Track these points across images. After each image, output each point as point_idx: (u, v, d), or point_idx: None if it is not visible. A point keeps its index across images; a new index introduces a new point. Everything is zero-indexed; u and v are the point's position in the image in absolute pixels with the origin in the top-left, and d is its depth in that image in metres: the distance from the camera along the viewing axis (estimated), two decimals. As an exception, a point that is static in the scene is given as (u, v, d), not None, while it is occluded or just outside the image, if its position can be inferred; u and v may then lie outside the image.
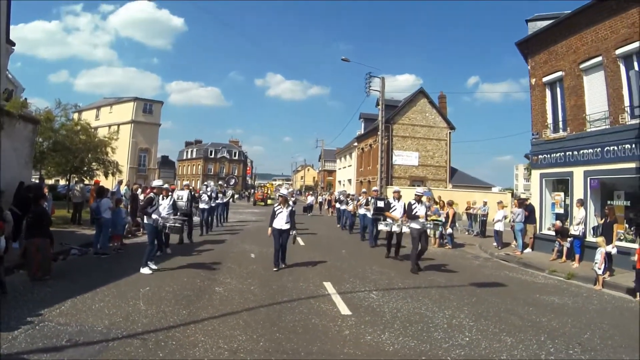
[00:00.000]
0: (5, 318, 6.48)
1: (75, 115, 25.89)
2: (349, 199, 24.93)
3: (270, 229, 11.66)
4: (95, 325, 6.45)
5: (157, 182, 12.57)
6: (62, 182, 29.71)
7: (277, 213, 11.65)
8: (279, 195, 12.40)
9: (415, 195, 12.93)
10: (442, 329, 7.08)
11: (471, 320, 7.65)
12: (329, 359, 5.69)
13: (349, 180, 56.85)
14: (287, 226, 11.61)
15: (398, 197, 14.42)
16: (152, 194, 11.50)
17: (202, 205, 19.00)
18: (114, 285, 9.05)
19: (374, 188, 21.13)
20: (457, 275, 11.96)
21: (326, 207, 43.20)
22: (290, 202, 12.43)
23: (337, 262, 13.28)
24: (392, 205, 14.37)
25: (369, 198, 18.93)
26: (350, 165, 57.54)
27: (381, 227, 14.56)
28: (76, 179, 22.99)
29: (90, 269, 10.82)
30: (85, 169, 23.26)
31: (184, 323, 6.83)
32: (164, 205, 12.18)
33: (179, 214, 12.92)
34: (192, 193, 17.47)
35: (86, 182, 23.65)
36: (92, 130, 25.83)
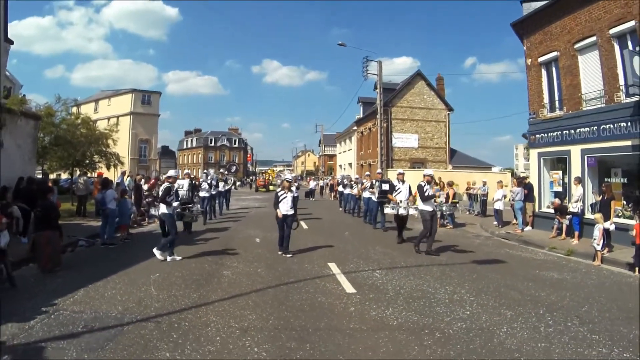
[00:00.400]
0: (20, 309, 6.68)
1: (74, 109, 25.93)
2: (353, 183, 24.22)
3: (278, 211, 11.49)
4: (109, 311, 6.68)
5: (172, 172, 12.48)
6: (64, 175, 29.90)
7: (281, 198, 11.62)
8: (283, 180, 12.34)
9: (425, 176, 12.54)
10: (443, 303, 7.32)
11: (472, 295, 7.88)
12: (335, 334, 5.90)
13: (350, 164, 57.04)
14: (291, 211, 11.66)
15: (402, 180, 14.35)
16: (167, 183, 11.44)
17: (202, 194, 19.00)
18: (124, 273, 9.27)
19: (378, 170, 20.71)
20: (458, 254, 12.14)
21: (328, 191, 43.38)
22: (293, 188, 12.32)
23: (340, 244, 13.49)
24: (396, 188, 14.32)
25: (374, 181, 18.59)
26: (351, 149, 57.70)
27: (387, 210, 14.42)
28: (79, 172, 23.21)
29: (99, 259, 11.06)
30: (88, 162, 23.43)
31: (195, 305, 7.07)
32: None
33: (179, 202, 12.93)
34: (193, 182, 17.58)
35: (89, 174, 23.85)
36: (93, 123, 25.94)
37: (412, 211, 13.35)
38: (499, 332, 5.99)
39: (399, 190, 14.17)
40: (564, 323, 6.46)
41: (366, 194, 19.21)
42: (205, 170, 25.59)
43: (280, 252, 11.57)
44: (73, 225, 15.71)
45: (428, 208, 12.14)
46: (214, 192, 20.42)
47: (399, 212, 13.65)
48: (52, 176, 26.13)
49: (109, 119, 45.84)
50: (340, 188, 27.56)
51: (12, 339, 5.58)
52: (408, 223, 14.59)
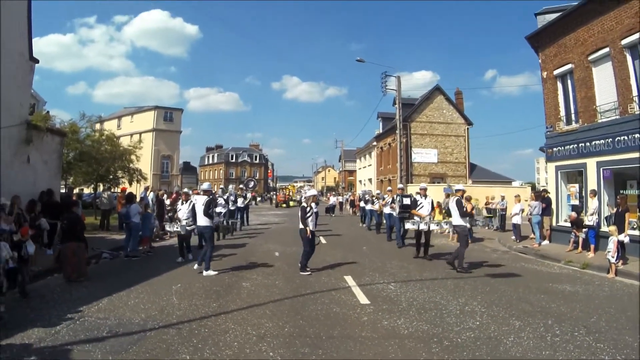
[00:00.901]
0: (45, 316, 7.04)
1: (97, 126, 26.50)
2: (374, 198, 24.09)
3: (308, 229, 11.24)
4: (132, 319, 7.02)
5: (205, 185, 12.74)
6: (87, 190, 30.46)
7: (308, 214, 11.39)
8: (311, 196, 12.15)
9: (458, 191, 12.55)
10: (454, 314, 7.51)
11: (483, 307, 8.05)
12: (347, 341, 6.13)
13: (370, 180, 57.18)
14: (314, 227, 11.63)
15: (424, 194, 14.21)
16: (206, 196, 11.68)
17: (218, 209, 17.31)
18: (146, 283, 9.65)
19: (399, 185, 20.42)
20: (473, 267, 12.19)
21: (348, 207, 43.51)
22: (313, 204, 11.99)
23: (358, 258, 13.64)
24: (418, 203, 14.20)
25: (395, 196, 17.61)
26: (370, 165, 57.90)
27: (408, 225, 14.13)
28: (103, 187, 23.72)
29: (122, 270, 11.45)
30: (111, 177, 23.94)
31: (215, 314, 7.38)
32: (184, 210, 12.85)
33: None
34: (211, 197, 17.55)
35: (113, 189, 24.33)
36: (117, 139, 26.48)
37: (433, 226, 13.45)
38: (506, 341, 6.16)
39: (421, 205, 14.07)
40: (571, 333, 6.59)
41: (387, 210, 18.98)
42: (221, 186, 25.73)
43: (308, 272, 11.19)
44: (97, 238, 16.15)
45: (466, 224, 12.08)
46: (232, 208, 20.46)
47: (420, 227, 13.48)
48: (75, 190, 26.72)
49: (131, 135, 46.63)
50: (362, 204, 27.34)
51: (38, 342, 5.91)
52: (433, 240, 14.60)
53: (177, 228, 12.69)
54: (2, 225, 8.49)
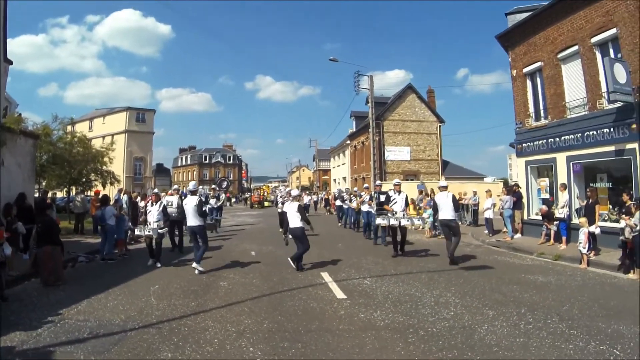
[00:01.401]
0: (25, 320, 7.04)
1: (69, 128, 26.23)
2: (352, 196, 23.32)
3: (280, 205, 11.69)
4: (112, 320, 7.05)
5: (191, 185, 12.64)
6: (60, 194, 30.13)
7: (285, 201, 12.16)
8: (298, 195, 12.88)
9: (443, 187, 12.78)
10: (429, 306, 7.69)
11: (457, 298, 8.25)
12: (325, 334, 6.25)
13: (344, 178, 57.33)
14: (299, 223, 11.74)
15: (398, 190, 14.11)
16: (197, 196, 11.92)
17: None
18: (124, 285, 9.64)
19: (377, 182, 19.77)
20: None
21: (322, 205, 43.75)
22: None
23: (333, 255, 13.72)
24: (392, 198, 14.01)
25: (373, 193, 17.52)
26: (344, 164, 58.08)
27: (378, 220, 14.19)
28: (76, 191, 23.50)
29: (99, 273, 11.40)
30: (84, 180, 23.74)
31: (194, 312, 7.44)
32: (153, 211, 12.45)
33: (168, 220, 13.12)
34: (200, 197, 16.96)
35: (86, 193, 24.10)
36: (89, 141, 26.24)
37: (404, 222, 13.36)
38: (480, 330, 6.35)
39: (394, 201, 13.91)
40: (544, 320, 6.79)
41: (365, 207, 18.77)
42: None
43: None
44: (72, 242, 15.97)
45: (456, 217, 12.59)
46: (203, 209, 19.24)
47: (391, 223, 13.48)
48: (49, 194, 26.42)
49: (104, 137, 46.30)
50: (338, 202, 26.74)
51: (21, 345, 5.94)
52: (408, 236, 14.61)
53: (148, 232, 12.23)
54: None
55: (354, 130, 52.12)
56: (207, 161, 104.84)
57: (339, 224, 25.27)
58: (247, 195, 70.09)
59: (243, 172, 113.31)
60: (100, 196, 15.77)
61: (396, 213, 13.61)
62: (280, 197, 22.35)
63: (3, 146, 13.44)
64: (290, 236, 12.42)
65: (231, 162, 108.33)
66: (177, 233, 15.34)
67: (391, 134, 43.35)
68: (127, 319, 7.06)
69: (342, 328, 6.56)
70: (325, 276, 10.45)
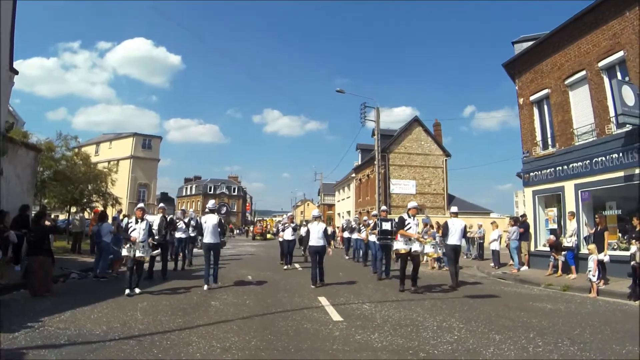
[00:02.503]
0: (5, 323, 6.83)
1: (75, 150, 26.11)
2: (361, 226, 20.43)
3: (281, 233, 13.02)
4: (93, 330, 6.76)
5: (211, 204, 12.74)
6: (62, 216, 29.87)
7: (285, 228, 13.11)
8: (288, 217, 13.19)
9: (454, 213, 13.03)
10: (431, 330, 7.24)
11: (461, 323, 7.80)
12: (317, 353, 5.87)
13: (349, 212, 56.76)
14: (292, 237, 12.23)
15: (414, 214, 11.95)
16: (218, 216, 12.18)
17: (178, 234, 15.94)
18: (112, 301, 9.31)
19: (383, 208, 17.61)
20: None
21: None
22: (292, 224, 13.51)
23: (333, 282, 13.26)
24: (406, 222, 11.77)
25: (377, 221, 15.35)
26: (349, 197, 57.63)
27: (399, 245, 11.76)
28: (76, 210, 23.19)
29: (89, 289, 11.08)
30: (85, 200, 23.46)
31: (179, 328, 7.06)
32: (139, 230, 10.89)
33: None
34: (168, 219, 14.77)
35: (86, 213, 23.77)
36: (90, 160, 26.10)
37: (428, 249, 12.37)
38: (485, 352, 5.94)
39: (408, 226, 11.70)
40: (554, 344, 6.41)
41: (371, 238, 16.30)
42: (182, 208, 24.00)
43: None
44: (67, 259, 15.75)
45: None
46: (192, 234, 16.87)
47: (413, 249, 11.56)
48: (51, 216, 26.14)
49: (109, 162, 46.08)
50: (346, 234, 24.20)
51: None
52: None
53: (140, 253, 10.70)
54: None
55: (360, 163, 51.78)
56: (212, 192, 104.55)
57: (347, 257, 23.16)
58: (250, 228, 69.55)
59: (247, 204, 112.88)
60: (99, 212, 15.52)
61: (415, 237, 11.76)
62: (281, 224, 19.01)
63: (3, 155, 13.27)
64: (308, 254, 13.30)
65: (236, 193, 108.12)
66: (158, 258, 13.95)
67: (397, 167, 43.06)
68: (108, 330, 6.77)
69: (336, 348, 6.14)
70: (323, 300, 10.01)
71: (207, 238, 11.70)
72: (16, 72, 14.52)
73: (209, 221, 11.77)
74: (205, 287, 11.10)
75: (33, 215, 13.11)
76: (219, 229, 11.87)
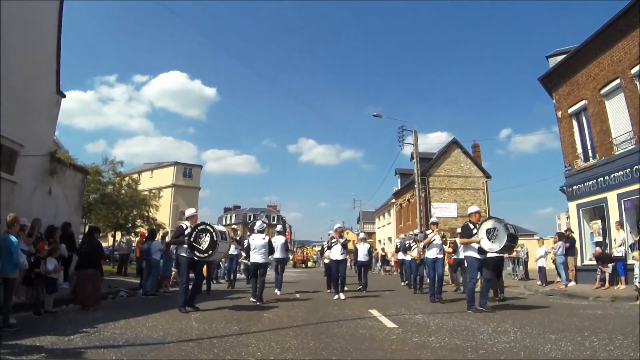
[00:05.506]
0: (60, 329, 7.09)
1: (121, 176, 26.82)
2: (412, 242, 16.50)
3: (327, 252, 13.63)
4: (150, 334, 6.90)
5: (258, 224, 12.48)
6: (105, 244, 30.51)
7: (331, 244, 13.24)
8: (335, 229, 13.80)
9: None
10: (487, 333, 7.19)
11: (515, 327, 7.75)
12: (377, 352, 5.92)
13: (389, 239, 56.41)
14: (342, 257, 12.97)
15: (477, 220, 10.64)
16: (268, 236, 12.47)
17: (231, 251, 15.43)
18: (165, 312, 9.48)
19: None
20: (500, 303, 11.84)
21: (380, 264, 37.25)
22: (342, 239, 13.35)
23: (381, 298, 13.37)
24: (473, 231, 10.37)
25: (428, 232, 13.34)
26: (390, 223, 57.30)
27: (476, 254, 10.26)
28: (122, 234, 23.67)
29: (139, 304, 11.32)
30: (130, 225, 23.95)
31: (236, 333, 7.17)
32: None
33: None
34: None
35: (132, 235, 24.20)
36: (136, 184, 26.71)
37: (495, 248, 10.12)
38: (543, 348, 5.94)
39: (475, 234, 10.26)
40: (609, 339, 6.44)
41: (431, 254, 12.53)
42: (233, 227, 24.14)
43: (329, 292, 13.59)
44: (115, 280, 16.16)
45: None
46: (234, 252, 16.70)
47: (492, 253, 10.10)
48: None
49: (151, 190, 46.93)
50: (400, 255, 19.48)
51: (50, 345, 5.90)
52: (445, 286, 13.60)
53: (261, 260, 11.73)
54: (22, 246, 8.42)
55: (399, 187, 51.59)
56: (252, 220, 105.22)
57: (403, 283, 19.41)
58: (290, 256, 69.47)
59: (287, 233, 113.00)
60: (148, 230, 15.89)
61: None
62: (327, 243, 15.19)
63: (53, 175, 13.69)
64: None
65: (275, 222, 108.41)
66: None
67: (437, 190, 42.71)
68: (165, 335, 6.87)
69: (395, 348, 6.15)
70: (374, 312, 10.01)
71: (277, 254, 13.66)
72: (63, 96, 14.99)
73: (278, 241, 14.04)
74: (277, 291, 13.81)
75: (82, 235, 13.55)
76: (285, 247, 14.58)
